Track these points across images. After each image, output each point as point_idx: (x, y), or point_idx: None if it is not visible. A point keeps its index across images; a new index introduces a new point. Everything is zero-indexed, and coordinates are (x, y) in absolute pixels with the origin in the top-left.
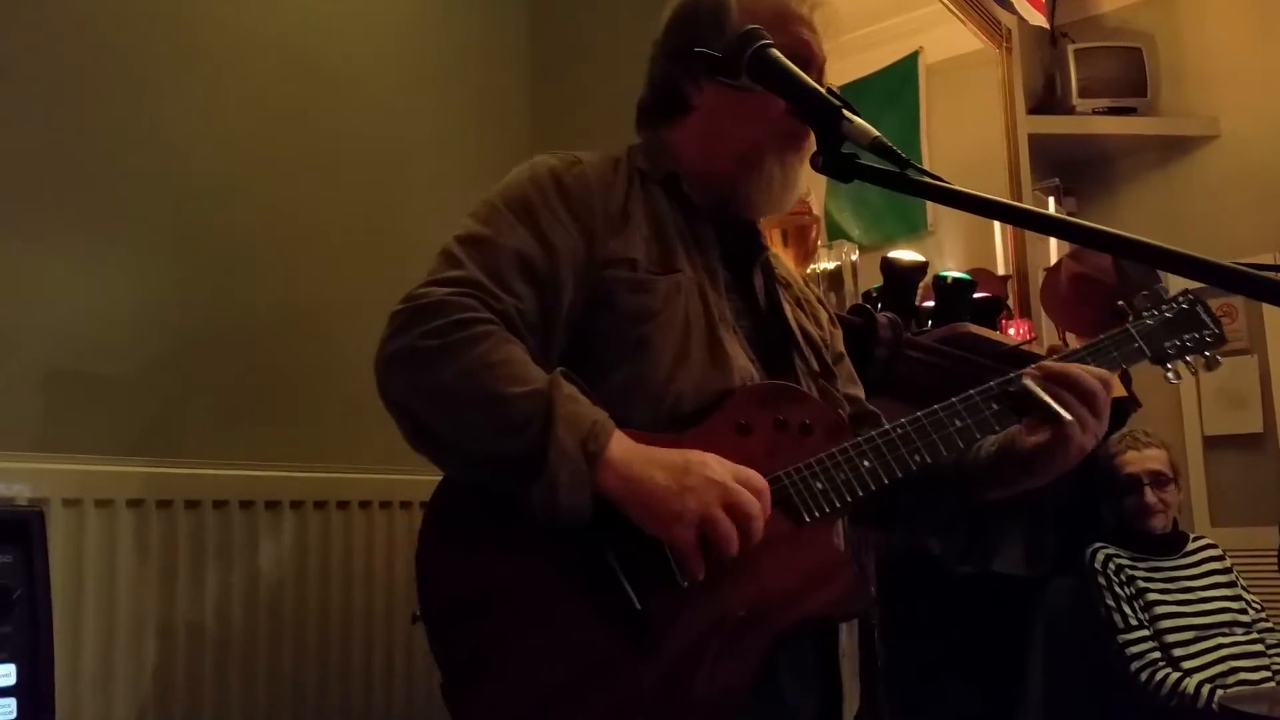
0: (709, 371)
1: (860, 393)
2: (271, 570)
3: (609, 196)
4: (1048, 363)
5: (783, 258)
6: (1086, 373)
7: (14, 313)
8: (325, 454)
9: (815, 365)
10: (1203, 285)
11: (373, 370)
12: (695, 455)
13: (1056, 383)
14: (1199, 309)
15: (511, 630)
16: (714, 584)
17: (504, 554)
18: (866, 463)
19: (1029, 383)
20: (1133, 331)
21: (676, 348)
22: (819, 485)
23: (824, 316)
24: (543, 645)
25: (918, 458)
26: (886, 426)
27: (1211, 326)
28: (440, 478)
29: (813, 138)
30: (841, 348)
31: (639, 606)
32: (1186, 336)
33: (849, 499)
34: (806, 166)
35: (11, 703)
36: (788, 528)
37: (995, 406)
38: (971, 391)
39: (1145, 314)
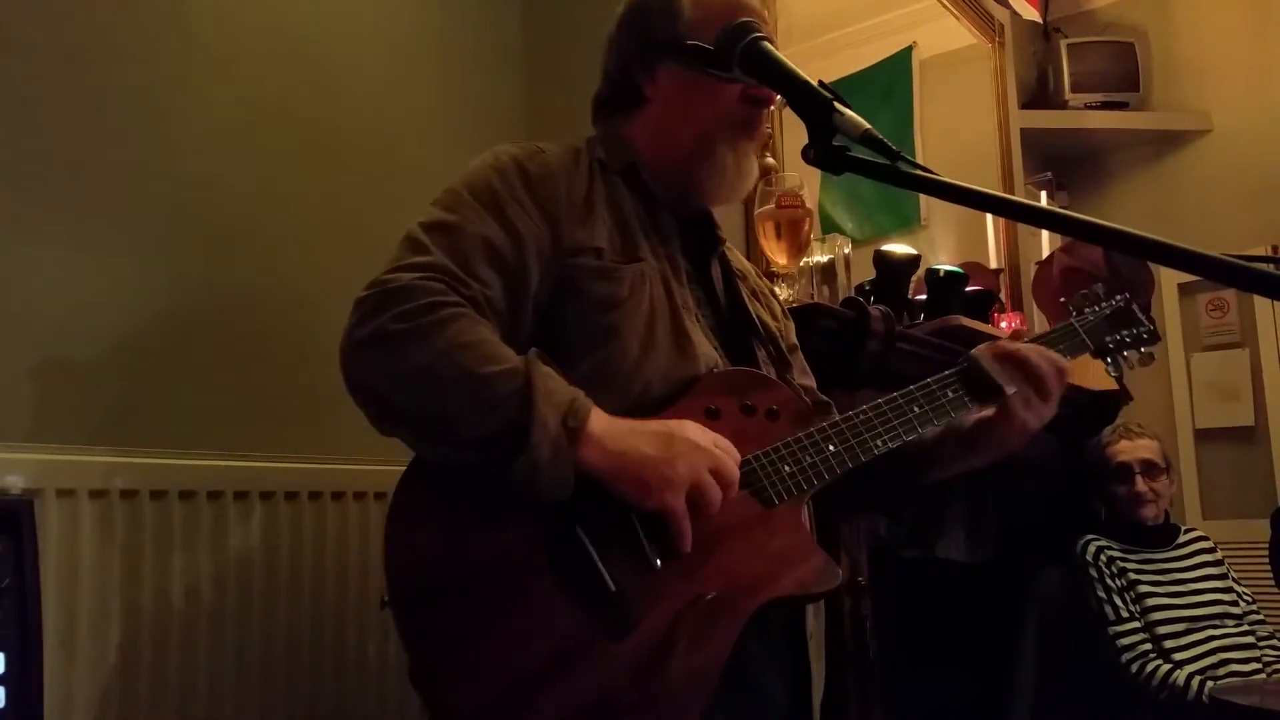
0: (675, 359)
1: (812, 383)
2: (267, 560)
3: (572, 186)
4: (1001, 341)
5: (739, 254)
6: (1037, 353)
7: (7, 302)
8: (327, 444)
9: (774, 355)
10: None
11: (339, 358)
12: (674, 423)
13: (1004, 361)
14: (1132, 308)
15: (483, 614)
16: (685, 566)
17: (474, 537)
18: (832, 447)
19: (976, 354)
20: (1077, 326)
21: (643, 335)
22: (787, 469)
23: (778, 308)
24: (515, 629)
25: (880, 442)
26: (850, 412)
27: (1145, 324)
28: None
29: (765, 124)
30: (794, 339)
31: (614, 588)
32: (1124, 333)
33: (816, 482)
34: (755, 154)
35: (0, 691)
36: (757, 510)
37: (950, 393)
38: (929, 379)
39: (1087, 310)
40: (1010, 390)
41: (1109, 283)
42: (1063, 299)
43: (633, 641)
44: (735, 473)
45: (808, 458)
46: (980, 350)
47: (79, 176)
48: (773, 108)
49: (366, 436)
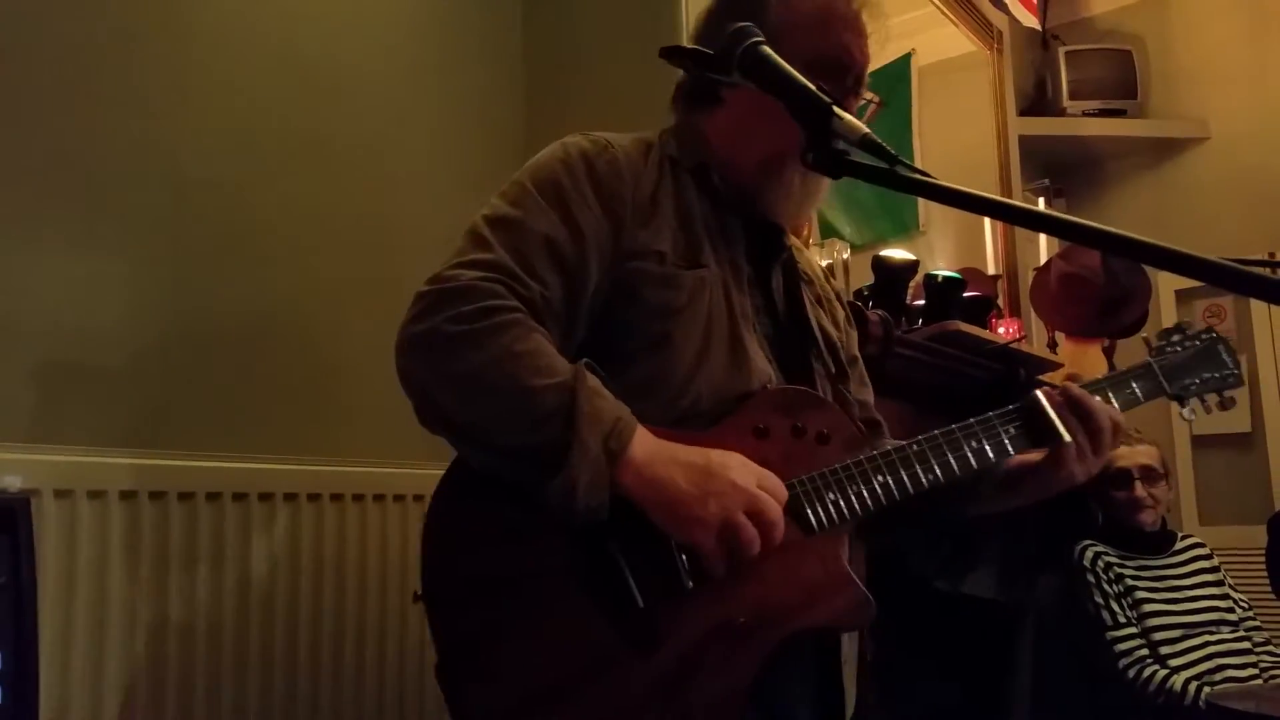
0: (728, 371)
1: (870, 397)
2: (264, 562)
3: (639, 184)
4: (1071, 385)
5: (811, 255)
6: (1101, 407)
7: (7, 304)
8: (318, 446)
9: (832, 368)
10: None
11: (394, 350)
12: (717, 456)
13: (1071, 406)
14: (1220, 347)
15: (512, 620)
16: (718, 589)
17: (510, 543)
18: (880, 477)
19: (1040, 396)
20: (1155, 368)
21: (698, 345)
22: (831, 496)
23: (841, 316)
24: (543, 637)
25: (931, 476)
26: (902, 443)
27: (1231, 367)
28: (432, 470)
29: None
30: (856, 350)
31: (641, 604)
32: (1206, 375)
33: (860, 512)
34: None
35: None
36: (797, 537)
37: (1012, 429)
38: (991, 414)
39: (1168, 348)
40: (1068, 440)
41: (1106, 288)
42: (1145, 336)
43: (657, 660)
44: (777, 513)
45: (854, 487)
46: (1046, 393)
47: (79, 179)
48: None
49: (367, 440)
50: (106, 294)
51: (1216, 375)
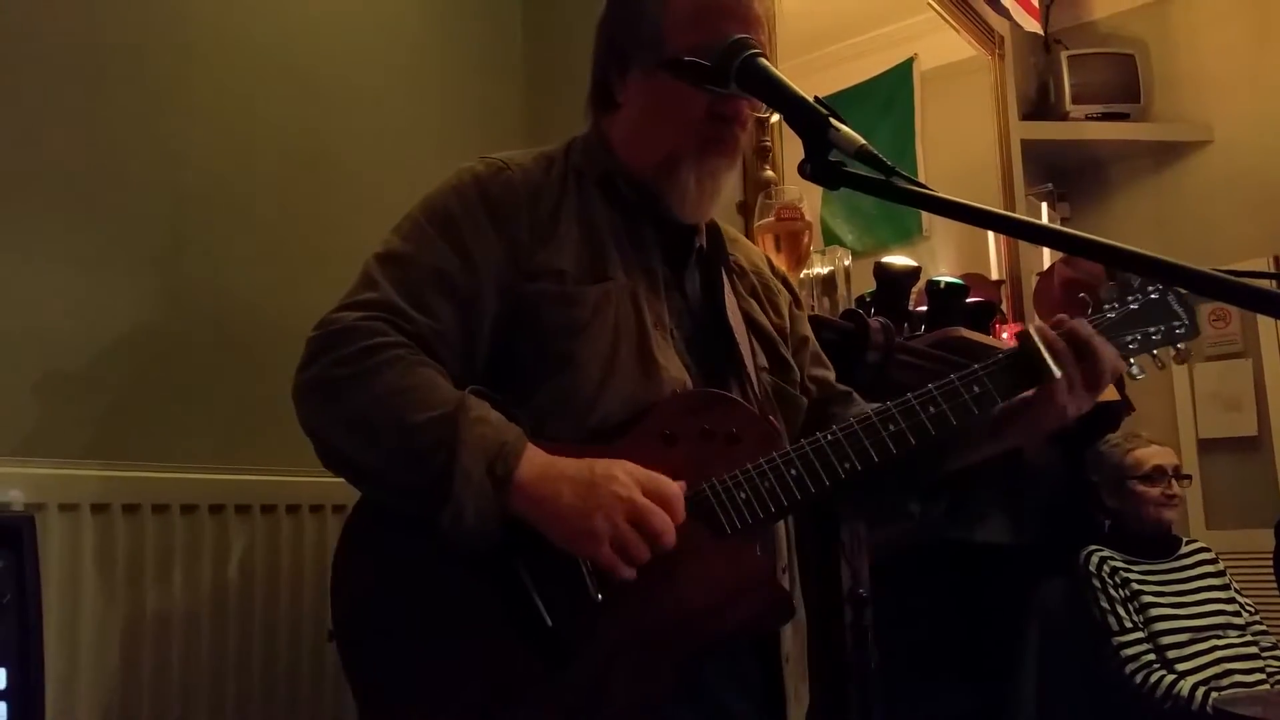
0: (640, 383)
1: (829, 374)
2: (244, 574)
3: (538, 202)
4: (1072, 321)
5: (751, 246)
6: (1101, 343)
7: (4, 315)
8: (300, 458)
9: (764, 361)
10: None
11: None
12: (602, 468)
13: (1068, 339)
14: (1170, 298)
15: (424, 650)
16: (630, 598)
17: (418, 573)
18: (793, 471)
19: (1032, 331)
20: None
21: (604, 361)
22: (742, 495)
23: (785, 302)
24: (455, 665)
25: (847, 465)
26: (818, 434)
27: (1182, 317)
28: None
29: (739, 143)
30: (806, 330)
31: (549, 623)
32: (1153, 329)
33: (773, 509)
34: (734, 172)
35: (1, 706)
36: (709, 539)
37: (976, 389)
38: (931, 385)
39: (1107, 307)
40: (1057, 374)
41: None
42: (1082, 295)
43: (569, 677)
44: (661, 521)
45: (765, 483)
46: (1038, 328)
47: (79, 191)
48: (771, 119)
49: None
50: (110, 306)
51: (1164, 328)
